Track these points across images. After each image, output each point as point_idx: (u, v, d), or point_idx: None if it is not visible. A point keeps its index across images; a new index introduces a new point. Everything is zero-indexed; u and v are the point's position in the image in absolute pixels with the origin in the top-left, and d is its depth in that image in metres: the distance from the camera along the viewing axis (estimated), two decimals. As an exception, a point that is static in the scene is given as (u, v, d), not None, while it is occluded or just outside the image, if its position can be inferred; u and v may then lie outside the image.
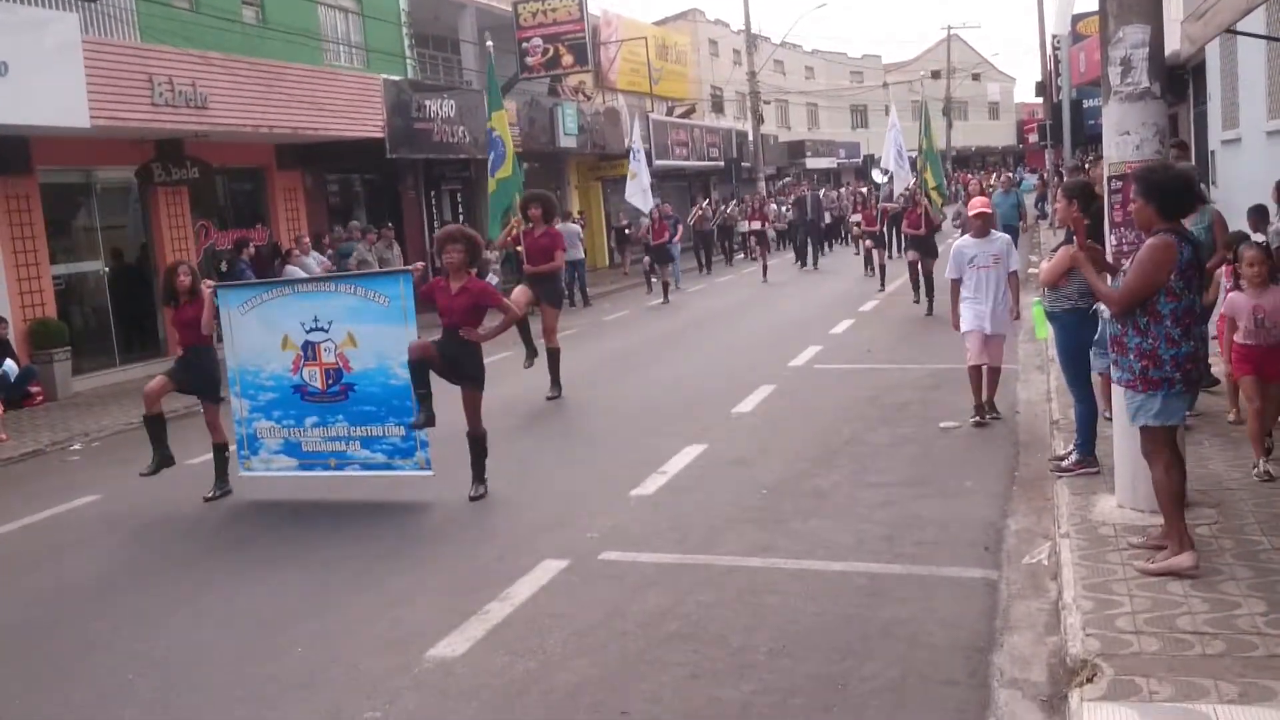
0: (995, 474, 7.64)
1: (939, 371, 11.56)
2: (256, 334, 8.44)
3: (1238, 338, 6.83)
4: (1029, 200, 38.97)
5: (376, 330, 8.05)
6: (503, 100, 13.53)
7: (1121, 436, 6.13)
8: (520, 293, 11.55)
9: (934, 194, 18.05)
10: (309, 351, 8.24)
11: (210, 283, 8.71)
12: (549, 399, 11.58)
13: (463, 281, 7.93)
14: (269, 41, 18.80)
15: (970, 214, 9.46)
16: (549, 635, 5.34)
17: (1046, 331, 7.68)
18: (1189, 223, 6.61)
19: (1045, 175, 39.62)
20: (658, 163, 32.94)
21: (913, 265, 16.94)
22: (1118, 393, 5.87)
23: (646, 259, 23.55)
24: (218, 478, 8.59)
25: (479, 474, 8.02)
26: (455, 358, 7.89)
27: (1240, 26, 9.07)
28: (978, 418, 9.00)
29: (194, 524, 8.02)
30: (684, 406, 10.89)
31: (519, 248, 12.13)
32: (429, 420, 7.82)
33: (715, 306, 20.77)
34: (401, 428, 8.05)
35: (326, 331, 8.17)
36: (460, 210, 25.78)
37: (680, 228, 24.36)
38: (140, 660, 5.49)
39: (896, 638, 5.06)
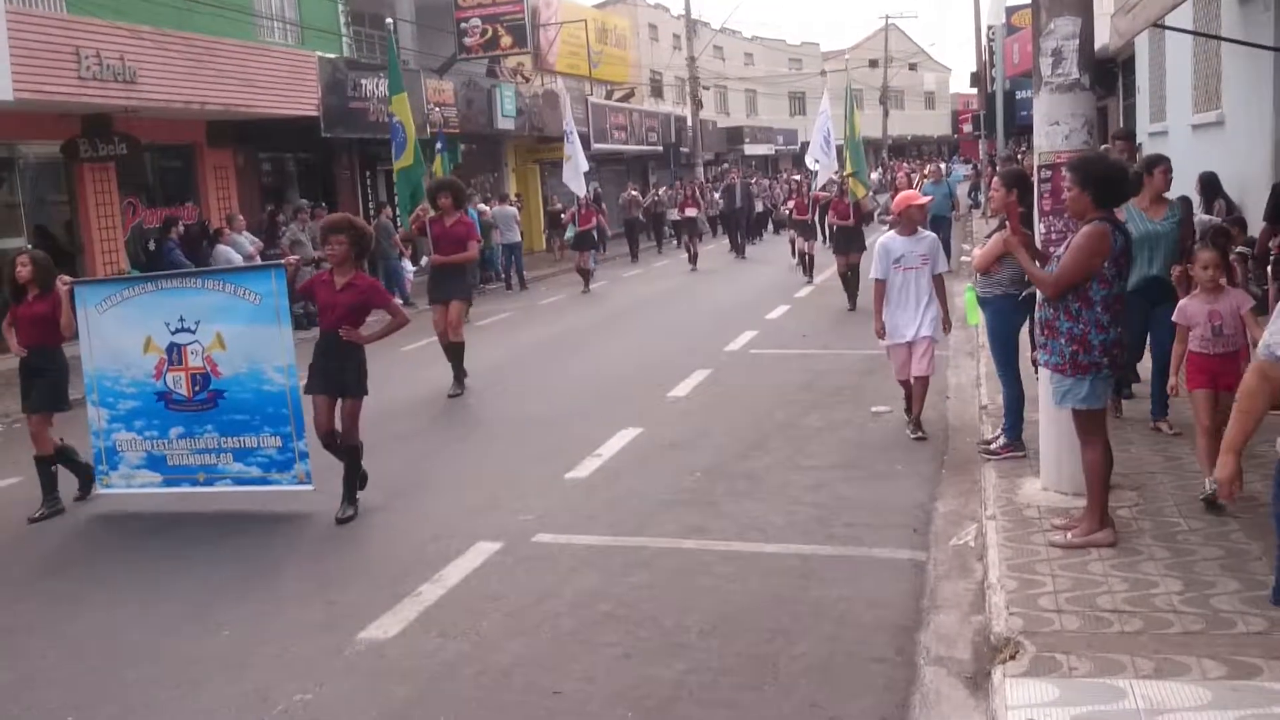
0: (925, 457, 7.77)
1: (872, 357, 11.67)
2: (116, 335, 7.60)
3: (1192, 346, 6.16)
4: (961, 190, 39.57)
5: (247, 331, 7.34)
6: (404, 84, 12.83)
7: (1047, 421, 6.26)
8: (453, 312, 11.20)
9: (851, 181, 17.51)
10: (174, 355, 7.45)
11: (66, 278, 7.80)
12: (451, 396, 10.95)
13: (348, 277, 7.25)
14: (201, 16, 18.40)
15: (896, 208, 8.56)
16: (482, 617, 5.34)
17: (978, 317, 7.81)
18: (1161, 214, 7.03)
19: (979, 165, 40.18)
20: (596, 146, 32.86)
21: (844, 275, 15.89)
22: (1043, 375, 5.99)
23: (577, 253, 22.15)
24: (46, 495, 7.65)
25: (349, 492, 7.18)
26: (335, 363, 7.20)
27: (1169, 21, 9.27)
28: (918, 433, 8.24)
29: (116, 505, 7.88)
30: (620, 390, 10.92)
31: (424, 237, 11.61)
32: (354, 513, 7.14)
33: (648, 293, 20.79)
34: (278, 438, 7.39)
35: (193, 332, 7.41)
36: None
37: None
38: (60, 642, 5.40)
39: (826, 617, 5.14)
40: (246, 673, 4.93)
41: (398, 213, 12.46)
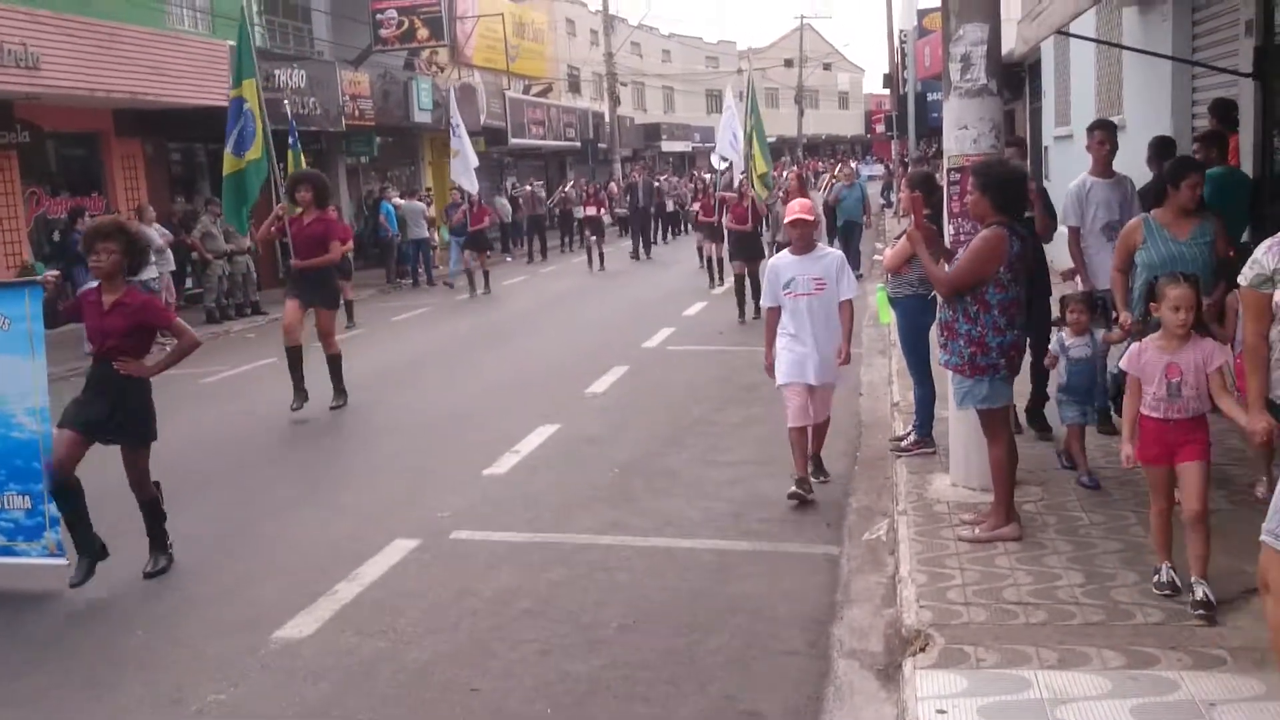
0: (838, 454, 7.90)
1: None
2: None
3: (1143, 408, 4.84)
4: (873, 190, 40.18)
5: None
6: (256, 67, 11.03)
7: (955, 419, 6.42)
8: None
9: (758, 183, 15.96)
10: None
11: None
12: (332, 408, 10.13)
13: (118, 294, 5.98)
14: (107, 1, 17.95)
15: (785, 221, 7.11)
16: (399, 615, 5.33)
17: (889, 316, 7.96)
18: (1187, 233, 5.92)
19: (891, 165, 40.85)
20: (514, 141, 32.78)
21: (740, 278, 14.74)
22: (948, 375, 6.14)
23: (465, 253, 20.66)
24: None
25: (158, 542, 6.20)
26: (107, 401, 5.98)
27: (1073, 28, 9.53)
28: (799, 492, 6.72)
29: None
30: (538, 386, 10.93)
31: (284, 238, 10.34)
32: (89, 571, 5.92)
33: (556, 292, 20.79)
34: (26, 498, 5.94)
35: None
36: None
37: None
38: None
39: (742, 612, 5.22)
40: (160, 673, 4.86)
41: (222, 215, 10.76)
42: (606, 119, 41.98)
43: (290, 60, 21.83)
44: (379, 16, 26.93)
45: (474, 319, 16.78)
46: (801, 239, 6.91)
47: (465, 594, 5.55)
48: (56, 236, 16.77)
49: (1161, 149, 7.69)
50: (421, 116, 26.75)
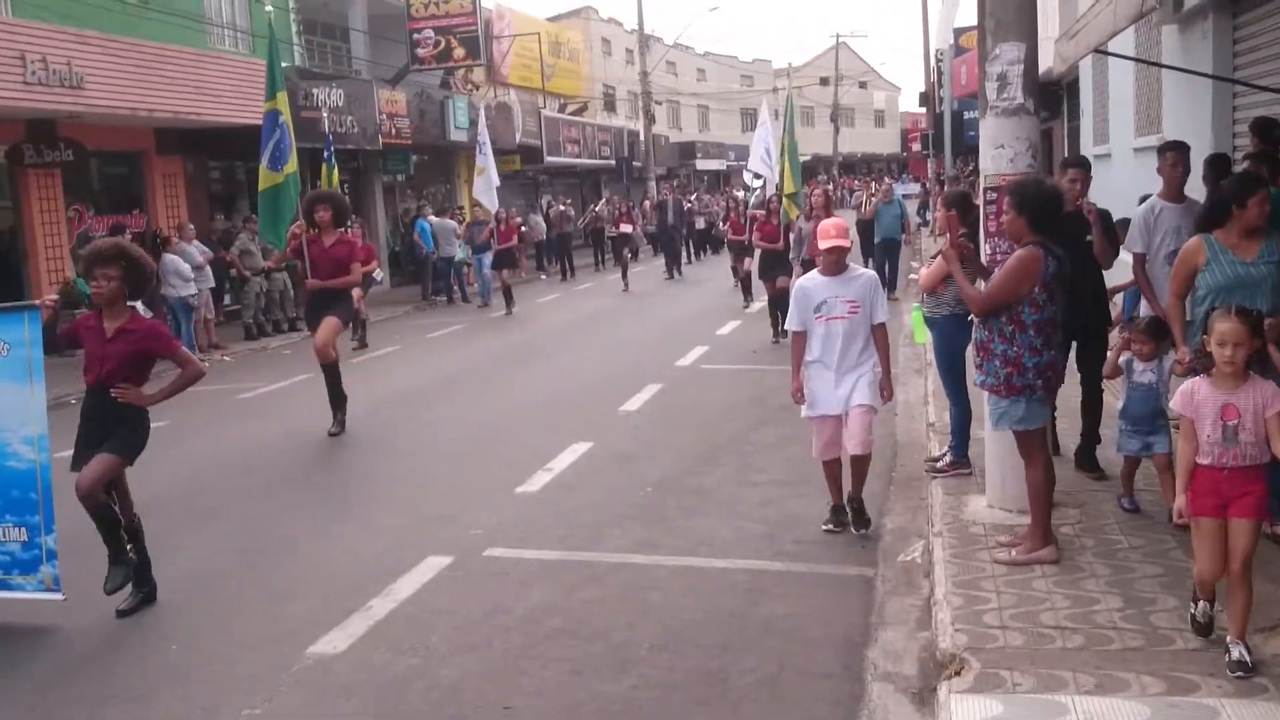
0: (873, 475, 7.78)
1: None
2: None
3: (1198, 456, 4.39)
4: (910, 209, 39.98)
5: None
6: (284, 80, 10.99)
7: (992, 440, 6.36)
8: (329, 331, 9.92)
9: (788, 202, 15.59)
10: None
11: None
12: (331, 434, 9.81)
13: (121, 320, 5.81)
14: (150, 22, 18.24)
15: (822, 246, 6.45)
16: (432, 632, 5.33)
17: (925, 336, 7.91)
18: (1254, 253, 5.51)
19: (927, 184, 40.68)
20: (549, 159, 32.94)
21: (773, 298, 14.23)
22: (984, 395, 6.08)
23: (489, 270, 21.18)
24: None
25: (139, 575, 5.89)
26: (105, 426, 5.80)
27: (1111, 47, 9.47)
28: (832, 522, 6.59)
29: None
30: (571, 404, 10.94)
31: (299, 259, 10.29)
32: (126, 578, 5.80)
33: (589, 310, 20.81)
34: (23, 530, 5.78)
35: None
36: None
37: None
38: (3, 657, 5.31)
39: (775, 633, 5.18)
40: (193, 688, 4.89)
41: (259, 231, 10.37)
42: (641, 137, 42.11)
43: (329, 79, 22.07)
44: (416, 36, 27.21)
45: (507, 337, 16.84)
46: (837, 263, 6.44)
47: (498, 612, 5.55)
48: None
49: (1217, 167, 7.42)
50: (457, 135, 26.96)
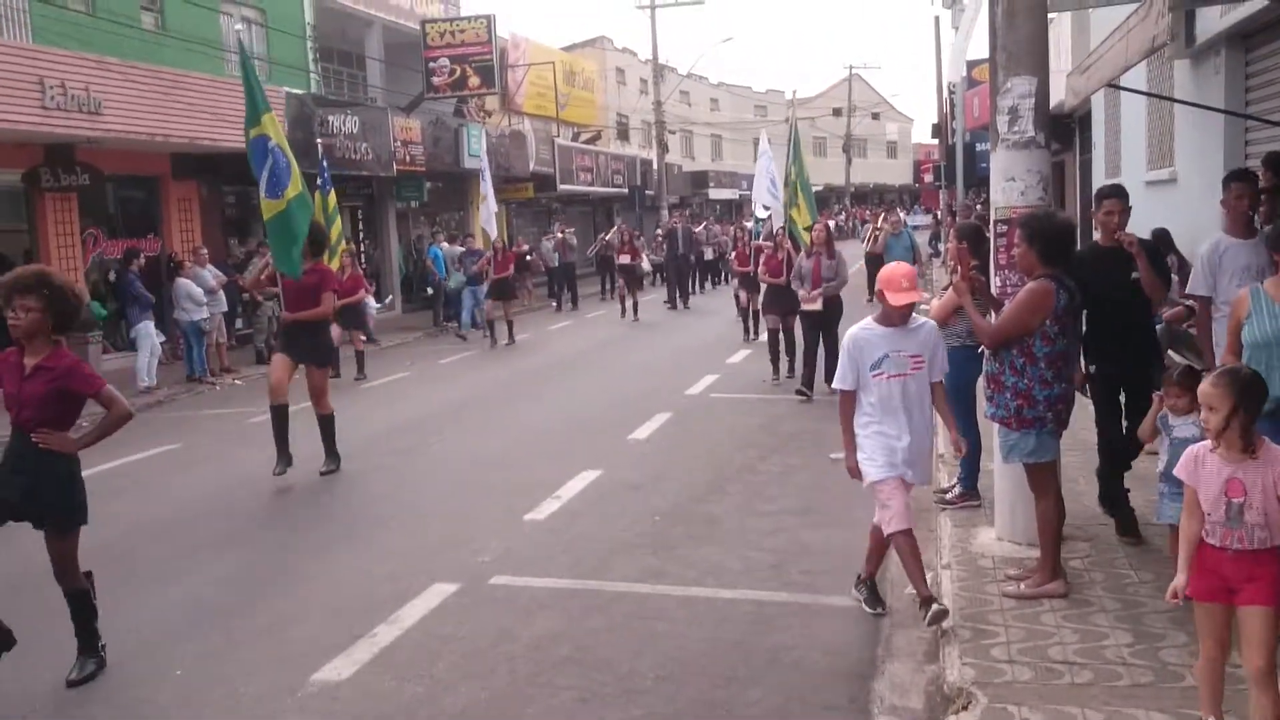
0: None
1: (831, 403, 11.76)
2: None
3: (1206, 534, 3.90)
4: (921, 240, 39.95)
5: None
6: (268, 101, 10.33)
7: (1001, 473, 6.34)
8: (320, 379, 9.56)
9: (805, 235, 14.20)
10: None
11: None
12: (322, 474, 9.41)
13: (40, 356, 5.24)
14: (168, 49, 18.43)
15: (893, 301, 5.42)
16: (438, 659, 5.32)
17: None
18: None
19: (939, 215, 40.72)
20: (562, 187, 33.09)
21: (774, 334, 13.50)
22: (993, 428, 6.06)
23: (489, 302, 20.16)
24: None
25: (88, 643, 5.40)
26: (31, 479, 5.25)
27: (1123, 81, 9.49)
28: (875, 607, 5.76)
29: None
30: (581, 431, 10.94)
31: (274, 288, 9.97)
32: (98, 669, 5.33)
33: (599, 338, 20.82)
34: None
35: None
36: (360, 226, 25.53)
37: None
38: (7, 680, 5.31)
39: (781, 664, 5.16)
40: (198, 712, 4.88)
41: (274, 261, 9.57)
42: (654, 166, 42.29)
43: (344, 106, 22.24)
44: (432, 64, 27.40)
45: (517, 364, 16.86)
46: (907, 314, 5.50)
47: (504, 640, 5.54)
48: (113, 277, 17.10)
49: (1160, 243, 7.35)
50: (471, 162, 27.07)
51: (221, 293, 16.79)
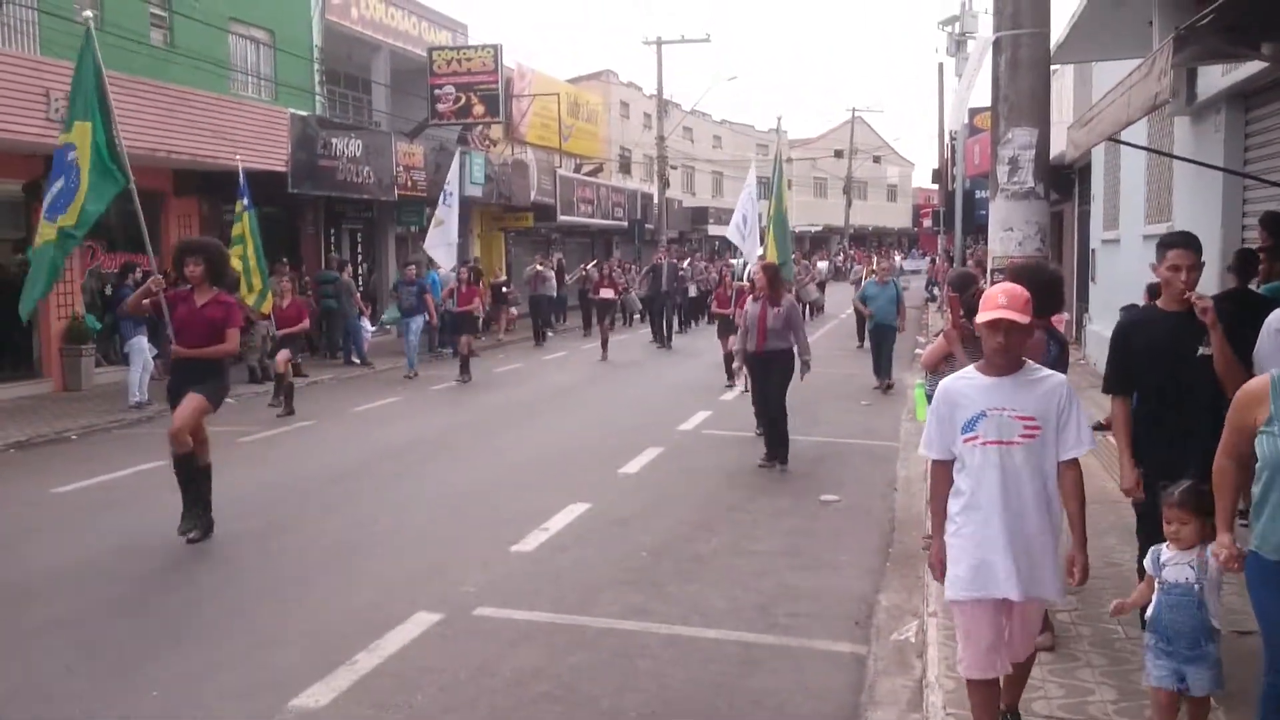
0: (870, 549, 7.80)
1: (824, 444, 11.81)
2: None
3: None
4: (918, 284, 40.11)
5: None
6: (99, 105, 8.53)
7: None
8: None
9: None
10: None
11: None
12: (185, 537, 7.89)
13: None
14: (175, 66, 18.51)
15: (982, 317, 4.12)
16: (417, 690, 5.27)
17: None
18: None
19: (936, 258, 40.89)
20: (562, 218, 33.19)
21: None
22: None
23: (463, 339, 18.49)
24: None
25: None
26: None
27: (1124, 136, 9.54)
28: None
29: (49, 554, 7.72)
30: (571, 463, 10.90)
31: (159, 315, 8.70)
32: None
33: (594, 371, 20.80)
34: None
35: None
36: (359, 250, 25.55)
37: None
38: (-16, 696, 5.26)
39: (764, 707, 5.12)
40: (172, 736, 4.82)
41: (24, 299, 8.17)
42: (655, 200, 42.46)
43: (348, 129, 22.32)
44: (437, 91, 27.54)
45: (509, 393, 16.83)
46: (1006, 351, 4.08)
47: (485, 672, 5.49)
48: (108, 290, 17.08)
49: (1244, 264, 6.60)
50: (473, 190, 27.17)
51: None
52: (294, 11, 23.05)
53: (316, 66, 23.86)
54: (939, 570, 4.30)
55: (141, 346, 15.15)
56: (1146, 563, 4.21)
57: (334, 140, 20.84)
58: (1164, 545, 4.15)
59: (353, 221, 25.27)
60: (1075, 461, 4.14)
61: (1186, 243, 4.97)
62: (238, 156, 15.41)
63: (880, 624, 6.29)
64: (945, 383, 4.35)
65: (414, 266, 20.12)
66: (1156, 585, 4.14)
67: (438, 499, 9.50)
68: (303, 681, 5.32)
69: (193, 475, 8.05)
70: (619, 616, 6.35)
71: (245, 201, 14.58)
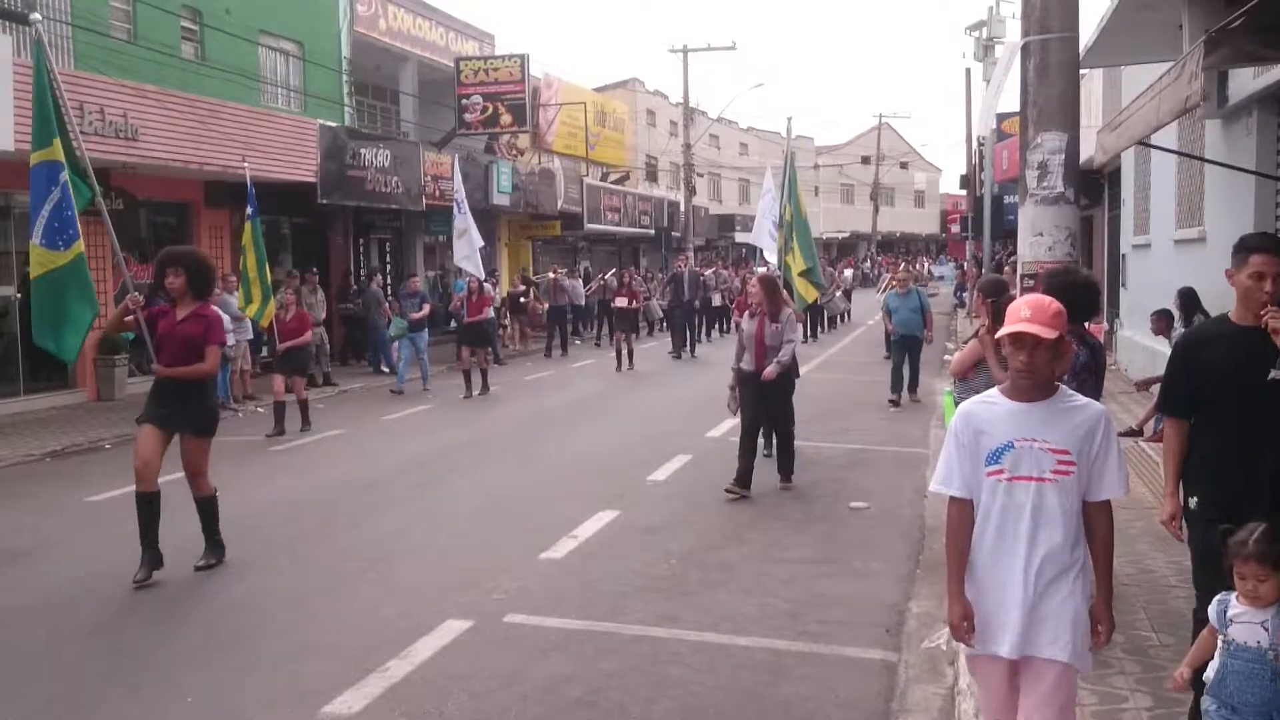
0: (901, 557, 7.77)
1: (853, 452, 11.77)
2: None
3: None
4: (946, 290, 39.90)
5: None
6: (63, 124, 7.72)
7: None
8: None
9: (800, 282, 12.65)
10: None
11: None
12: (198, 568, 7.52)
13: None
14: (206, 78, 18.71)
15: (1005, 333, 3.59)
16: (448, 697, 5.29)
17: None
18: None
19: (965, 265, 40.69)
20: (589, 226, 33.28)
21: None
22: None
23: (463, 352, 17.82)
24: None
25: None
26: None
27: (1154, 139, 9.49)
28: None
29: (84, 562, 7.80)
30: (599, 471, 10.91)
31: (139, 331, 7.83)
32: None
33: (621, 379, 20.81)
34: None
35: None
36: (389, 259, 25.70)
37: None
38: (20, 703, 5.32)
39: (794, 715, 5.11)
40: (206, 743, 4.86)
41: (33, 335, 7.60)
42: (682, 208, 42.49)
43: (377, 139, 22.49)
44: (465, 101, 27.70)
45: (537, 402, 16.87)
46: (1033, 371, 3.53)
47: (516, 679, 5.50)
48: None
49: (1188, 302, 6.42)
50: (500, 199, 27.31)
51: (247, 320, 16.90)
52: (323, 24, 23.26)
53: (345, 78, 24.05)
54: (964, 630, 3.62)
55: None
56: (1211, 612, 3.66)
57: (363, 150, 20.99)
58: (1232, 595, 3.60)
59: (381, 231, 25.44)
60: (1108, 504, 3.61)
61: (1274, 246, 4.29)
62: (245, 163, 15.03)
63: (911, 631, 6.26)
64: (965, 407, 3.76)
65: (416, 278, 19.57)
66: (1220, 642, 3.59)
67: (467, 507, 9.53)
68: (335, 688, 5.36)
69: (205, 511, 7.69)
70: (649, 624, 6.35)
71: (250, 210, 14.26)
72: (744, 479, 9.65)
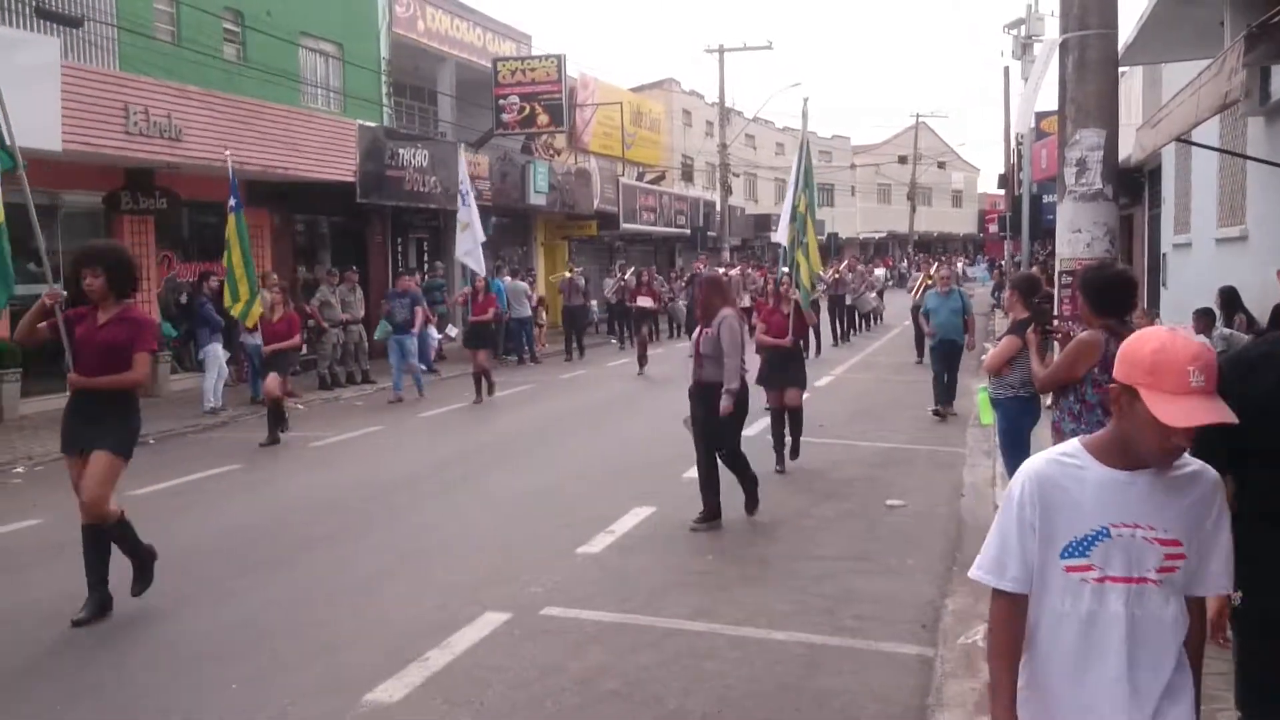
0: (937, 554, 7.76)
1: (888, 450, 11.75)
2: None
3: None
4: (984, 292, 39.61)
5: None
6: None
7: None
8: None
9: (806, 279, 11.13)
10: None
11: None
12: (74, 622, 6.32)
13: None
14: (248, 79, 18.94)
15: (1165, 415, 2.39)
16: (488, 687, 5.36)
17: (991, 418, 7.86)
18: None
19: (1001, 264, 40.44)
20: (625, 226, 33.35)
21: (777, 414, 10.61)
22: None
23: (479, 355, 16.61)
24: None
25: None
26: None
27: (1195, 136, 9.42)
28: None
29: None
30: (635, 467, 10.97)
31: (57, 338, 6.73)
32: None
33: (656, 375, 20.84)
34: None
35: None
36: (425, 258, 25.89)
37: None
38: (69, 689, 5.44)
39: (830, 709, 5.13)
40: (251, 729, 4.95)
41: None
42: (717, 208, 42.49)
43: (415, 140, 22.67)
44: (502, 101, 27.86)
45: (573, 399, 16.96)
46: (1182, 452, 2.55)
47: (553, 671, 5.57)
48: (184, 299, 17.51)
49: (1229, 301, 6.08)
50: (536, 199, 27.44)
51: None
52: (362, 25, 23.47)
53: (384, 78, 24.25)
54: None
55: (217, 354, 15.50)
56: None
57: (401, 151, 21.18)
58: None
59: (419, 230, 25.63)
60: (1203, 601, 2.70)
61: None
62: (227, 152, 13.94)
63: (947, 627, 6.26)
64: (1035, 467, 2.66)
65: (405, 277, 18.24)
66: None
67: (504, 502, 9.61)
68: (376, 677, 5.44)
69: (103, 540, 6.52)
70: (685, 618, 6.40)
71: (233, 202, 13.41)
72: (711, 512, 8.52)
